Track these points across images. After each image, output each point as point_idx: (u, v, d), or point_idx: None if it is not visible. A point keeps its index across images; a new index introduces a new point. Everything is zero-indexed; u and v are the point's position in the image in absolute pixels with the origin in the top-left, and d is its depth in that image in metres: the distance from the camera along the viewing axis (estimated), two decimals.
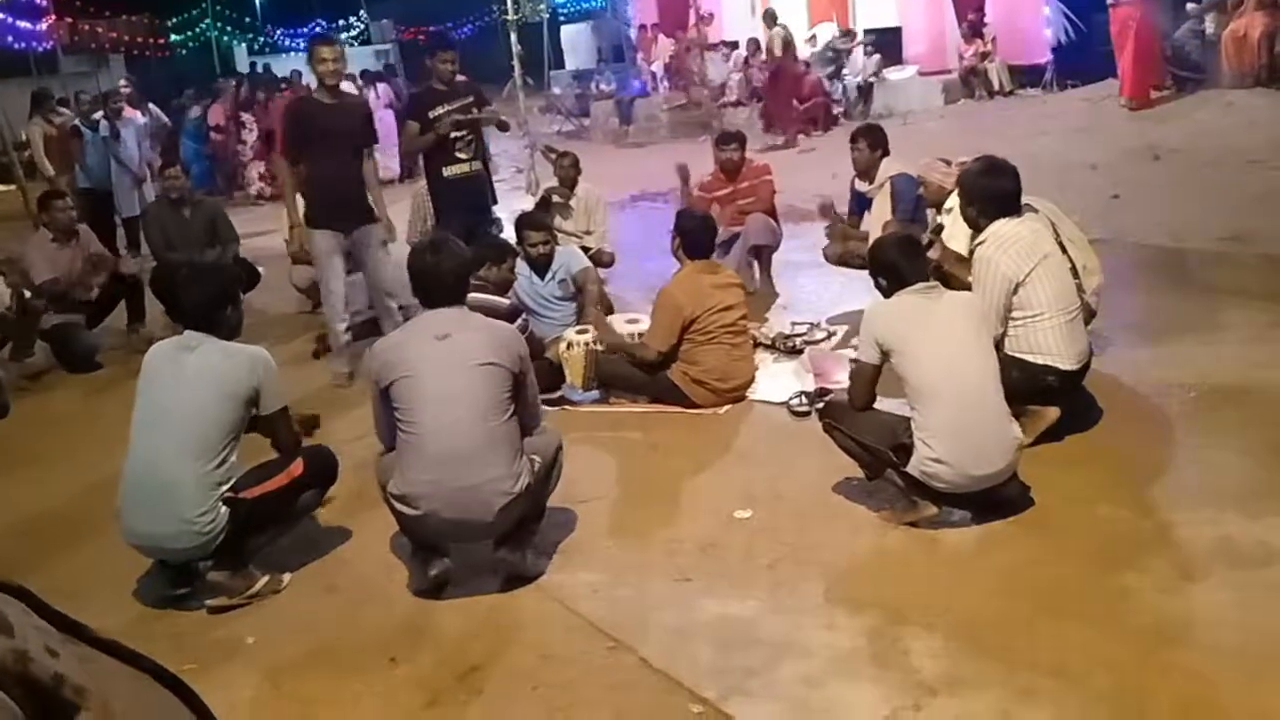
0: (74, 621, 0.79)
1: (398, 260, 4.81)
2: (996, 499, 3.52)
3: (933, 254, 4.56)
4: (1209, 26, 11.64)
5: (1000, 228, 4.06)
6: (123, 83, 15.83)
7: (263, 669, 3.17)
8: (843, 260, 6.22)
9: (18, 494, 4.85)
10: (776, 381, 5.10)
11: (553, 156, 7.70)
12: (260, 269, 7.60)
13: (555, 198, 7.21)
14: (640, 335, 5.14)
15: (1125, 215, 7.49)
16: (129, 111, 11.29)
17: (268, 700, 3.02)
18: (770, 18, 14.95)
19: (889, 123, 9.65)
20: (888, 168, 5.99)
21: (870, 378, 3.66)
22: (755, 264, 6.80)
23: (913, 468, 3.49)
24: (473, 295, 3.89)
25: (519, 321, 4.90)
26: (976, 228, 4.22)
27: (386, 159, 13.80)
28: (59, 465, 5.14)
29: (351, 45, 26.42)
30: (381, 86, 16.07)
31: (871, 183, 6.08)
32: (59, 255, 6.99)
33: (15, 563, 3.99)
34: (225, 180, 15.49)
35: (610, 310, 6.03)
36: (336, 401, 5.44)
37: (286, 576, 3.67)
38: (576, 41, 23.83)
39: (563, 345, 5.21)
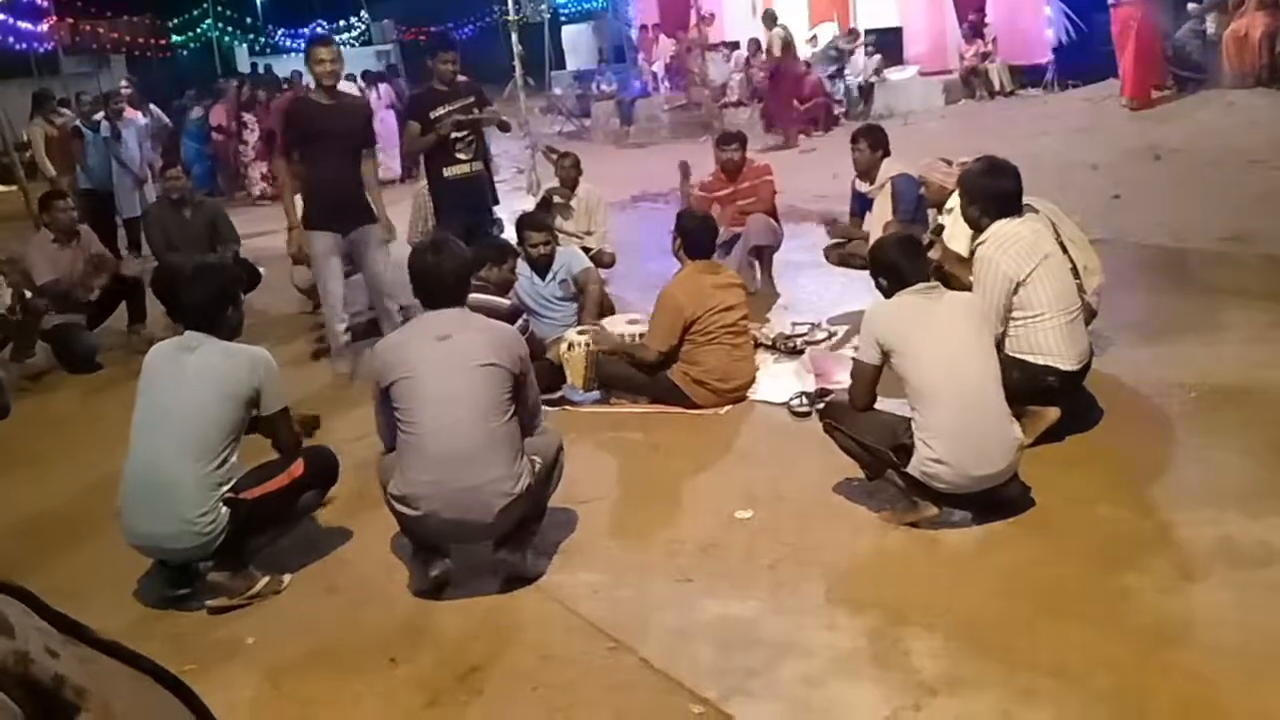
0: (74, 622, 0.79)
1: (398, 261, 4.82)
2: (997, 499, 3.52)
3: (933, 254, 4.56)
4: (1210, 26, 11.64)
5: (1001, 228, 4.06)
6: (124, 83, 15.87)
7: (263, 669, 3.17)
8: (844, 261, 6.22)
9: (18, 494, 4.86)
10: (777, 382, 5.10)
11: (554, 157, 7.70)
12: (261, 269, 7.60)
13: (556, 198, 7.21)
14: (641, 336, 5.14)
15: (1126, 215, 7.49)
16: (130, 112, 11.30)
17: (268, 701, 3.02)
18: (770, 18, 14.94)
19: (890, 123, 9.66)
20: (889, 168, 5.99)
21: (871, 378, 3.66)
22: (756, 264, 6.80)
23: (913, 468, 3.49)
24: (473, 296, 3.88)
25: (520, 322, 4.90)
26: (977, 228, 4.22)
27: (388, 159, 13.82)
28: (59, 465, 5.14)
29: (352, 46, 26.49)
30: (383, 87, 16.08)
31: (872, 183, 6.08)
32: (60, 256, 7.00)
33: (16, 563, 3.99)
34: (227, 181, 15.49)
35: (611, 311, 6.03)
36: (337, 402, 5.44)
37: (287, 577, 3.67)
38: (577, 42, 23.84)
39: (563, 346, 5.22)
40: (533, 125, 12.35)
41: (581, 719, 2.77)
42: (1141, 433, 4.16)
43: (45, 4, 20.36)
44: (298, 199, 5.91)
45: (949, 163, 5.23)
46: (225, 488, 3.43)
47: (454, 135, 6.22)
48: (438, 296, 3.48)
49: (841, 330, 5.77)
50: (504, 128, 7.08)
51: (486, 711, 2.86)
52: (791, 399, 4.79)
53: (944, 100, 14.40)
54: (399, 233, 6.27)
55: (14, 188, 10.58)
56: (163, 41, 29.06)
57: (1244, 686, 2.58)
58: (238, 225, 7.98)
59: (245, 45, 30.05)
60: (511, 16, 11.36)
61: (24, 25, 20.30)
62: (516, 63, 11.26)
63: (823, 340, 5.64)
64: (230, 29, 29.69)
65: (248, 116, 15.14)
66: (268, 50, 29.48)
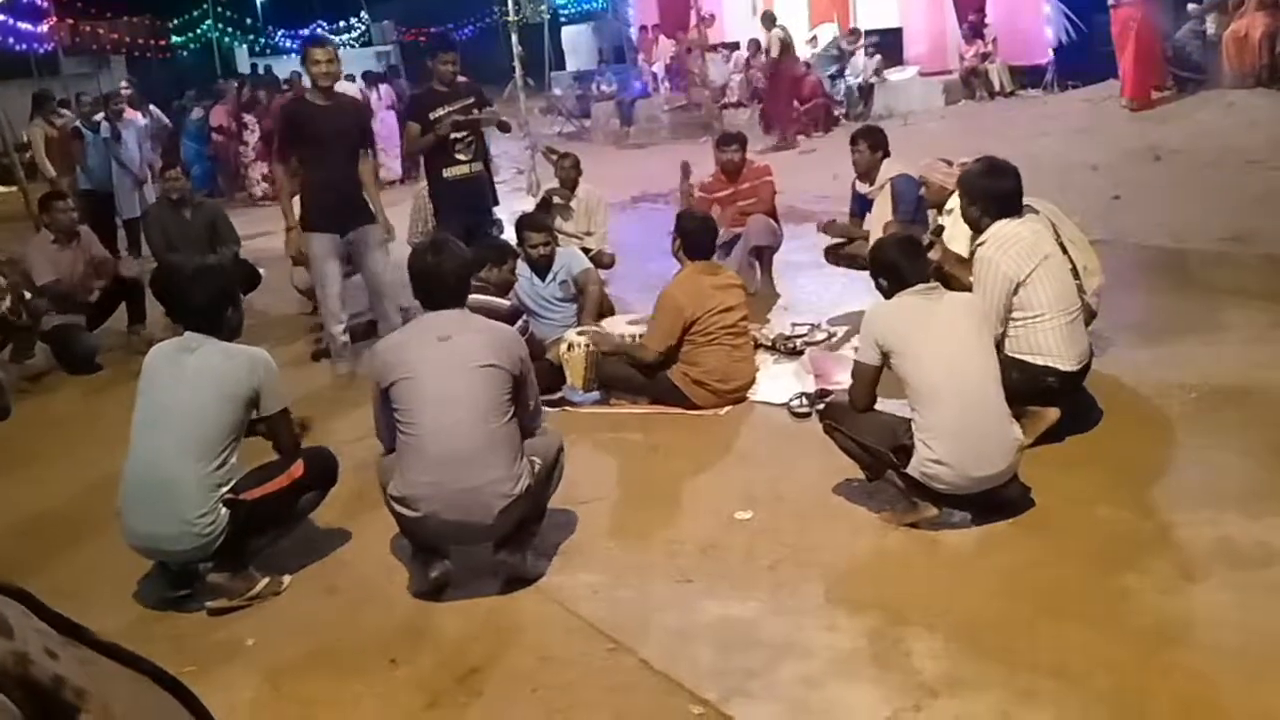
0: (74, 624, 0.79)
1: (397, 261, 4.82)
2: (997, 500, 3.52)
3: (933, 255, 4.56)
4: (1210, 27, 11.64)
5: (1001, 228, 4.06)
6: (124, 84, 15.87)
7: (263, 671, 3.17)
8: (845, 261, 6.21)
9: (18, 494, 4.86)
10: (777, 383, 5.10)
11: (553, 158, 7.70)
12: (261, 270, 7.61)
13: (556, 199, 7.21)
14: (640, 337, 5.14)
15: (1126, 216, 7.49)
16: (130, 113, 11.31)
17: (268, 702, 3.02)
18: (769, 19, 14.94)
19: (889, 124, 9.67)
20: (888, 169, 5.99)
21: (871, 379, 3.66)
22: (756, 265, 6.80)
23: (913, 469, 3.49)
24: (473, 297, 3.88)
25: (519, 323, 4.90)
26: (978, 228, 4.22)
27: (389, 160, 13.83)
28: (59, 466, 5.14)
29: (353, 47, 26.50)
30: (384, 88, 16.09)
31: (872, 184, 6.08)
32: (60, 256, 7.00)
33: (15, 563, 3.99)
34: (227, 181, 15.50)
35: (611, 311, 6.03)
36: (337, 403, 5.44)
37: (287, 578, 3.67)
38: (577, 42, 23.84)
39: (563, 346, 5.21)
40: (532, 126, 12.36)
41: None
42: (1141, 433, 4.16)
43: (45, 5, 20.38)
44: (296, 200, 5.92)
45: (949, 163, 5.23)
46: (225, 488, 3.43)
47: (454, 136, 6.22)
48: (438, 297, 3.48)
49: (841, 331, 5.77)
50: (504, 128, 7.08)
51: (486, 713, 2.86)
52: (791, 400, 4.79)
53: (944, 101, 14.41)
54: (399, 234, 6.27)
55: (14, 188, 10.58)
56: (163, 42, 29.08)
57: (1244, 687, 2.58)
58: (238, 226, 7.98)
59: (245, 46, 30.06)
60: (511, 17, 11.37)
61: (24, 26, 20.32)
62: (516, 63, 11.27)
63: (822, 341, 5.64)
64: (230, 30, 29.70)
65: (248, 117, 15.15)
66: (268, 51, 29.49)
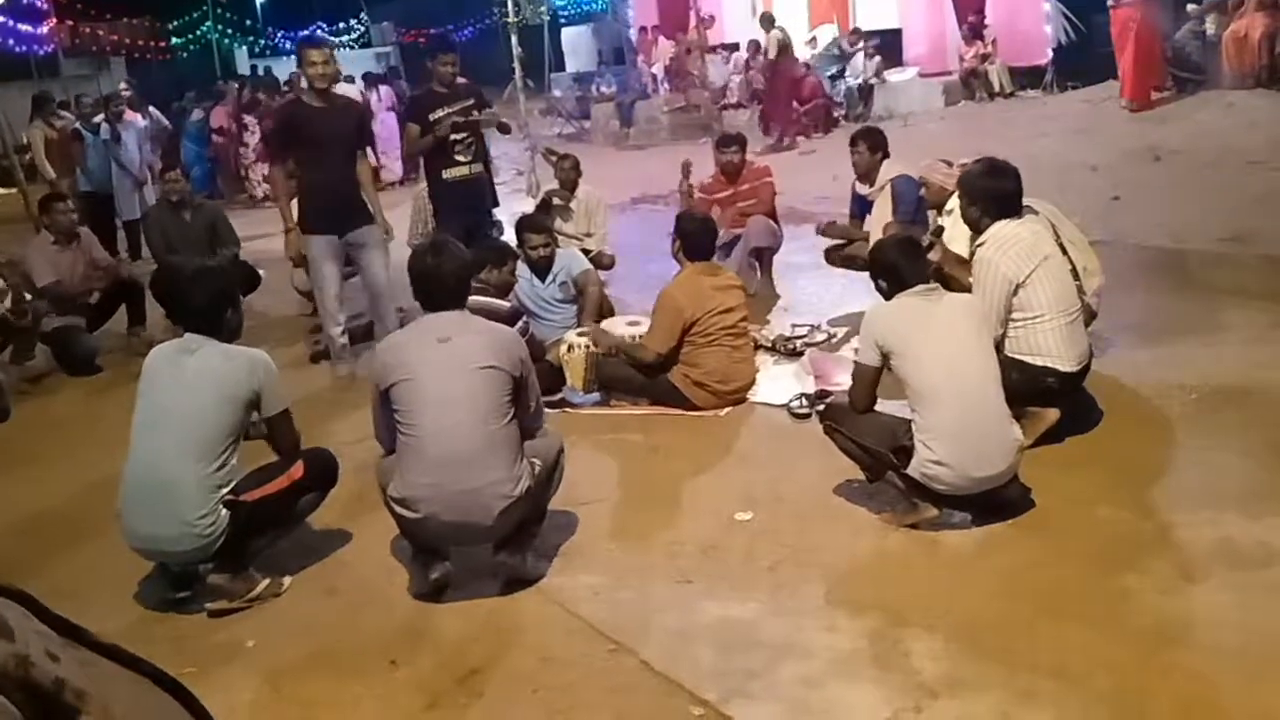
0: (74, 625, 0.79)
1: (397, 263, 4.81)
2: (997, 501, 3.52)
3: (933, 256, 4.57)
4: (1209, 27, 11.65)
5: (1001, 229, 4.07)
6: (123, 86, 15.86)
7: (263, 672, 3.17)
8: (846, 262, 6.21)
9: (18, 494, 4.85)
10: (777, 384, 5.10)
11: (553, 159, 7.71)
12: (261, 272, 7.60)
13: (556, 200, 7.21)
14: (640, 337, 5.14)
15: (1126, 216, 7.50)
16: (130, 114, 11.29)
17: (268, 703, 3.02)
18: (767, 20, 14.95)
19: (889, 124, 9.68)
20: (888, 170, 6.00)
21: (871, 380, 3.67)
22: (756, 266, 6.80)
23: (913, 470, 3.49)
24: (473, 298, 3.88)
25: (519, 324, 4.91)
26: (977, 229, 4.22)
27: (389, 161, 13.84)
28: (59, 466, 5.14)
29: (352, 48, 26.51)
30: (384, 89, 16.08)
31: (872, 185, 6.08)
32: (60, 258, 7.01)
33: (15, 563, 3.99)
34: (227, 183, 15.50)
35: (611, 312, 6.03)
36: (336, 404, 5.44)
37: (287, 579, 3.67)
38: (577, 44, 23.84)
39: (563, 348, 5.21)
40: (532, 127, 12.36)
41: None
42: (1141, 434, 4.16)
43: (45, 6, 20.39)
44: (294, 202, 5.92)
45: (949, 164, 5.23)
46: (225, 490, 3.43)
47: (453, 137, 6.22)
48: (437, 299, 3.48)
49: (841, 332, 5.77)
50: (504, 129, 7.09)
51: (486, 714, 2.86)
52: (791, 401, 4.79)
53: (944, 102, 14.41)
54: (398, 235, 6.27)
55: (14, 190, 10.58)
56: (162, 44, 29.11)
57: (1244, 687, 2.58)
58: (238, 227, 7.99)
59: (245, 47, 30.10)
60: (511, 19, 11.38)
61: (24, 28, 20.33)
62: (516, 65, 11.28)
63: (822, 342, 5.64)
64: (230, 31, 29.74)
65: (248, 119, 15.15)
66: (267, 52, 29.53)
